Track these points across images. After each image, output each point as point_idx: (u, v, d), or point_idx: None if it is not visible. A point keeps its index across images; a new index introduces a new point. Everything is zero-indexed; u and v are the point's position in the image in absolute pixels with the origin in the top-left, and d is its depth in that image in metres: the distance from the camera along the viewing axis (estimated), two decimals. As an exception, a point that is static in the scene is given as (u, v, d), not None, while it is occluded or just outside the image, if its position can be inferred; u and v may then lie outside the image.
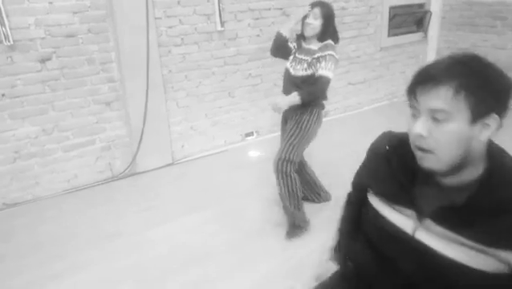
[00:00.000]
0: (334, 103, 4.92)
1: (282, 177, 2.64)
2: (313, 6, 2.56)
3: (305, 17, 2.59)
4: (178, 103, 3.87)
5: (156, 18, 3.49)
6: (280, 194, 2.71)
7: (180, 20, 3.65)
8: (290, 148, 2.62)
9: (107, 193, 3.43)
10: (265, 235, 2.75)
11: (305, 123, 2.64)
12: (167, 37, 3.62)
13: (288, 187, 2.65)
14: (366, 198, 1.18)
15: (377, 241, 1.10)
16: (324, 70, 2.50)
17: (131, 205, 3.21)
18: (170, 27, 3.62)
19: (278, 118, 4.41)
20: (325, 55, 2.52)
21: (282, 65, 4.23)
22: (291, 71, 2.71)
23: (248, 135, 4.41)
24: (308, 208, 2.86)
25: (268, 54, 4.18)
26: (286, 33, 2.75)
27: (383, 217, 1.08)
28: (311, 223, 2.79)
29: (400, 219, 1.03)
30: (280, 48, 2.81)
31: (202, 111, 4.04)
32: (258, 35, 4.12)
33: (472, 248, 0.91)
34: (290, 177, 2.63)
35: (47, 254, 2.63)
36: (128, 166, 3.67)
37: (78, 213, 3.11)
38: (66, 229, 2.91)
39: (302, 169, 2.92)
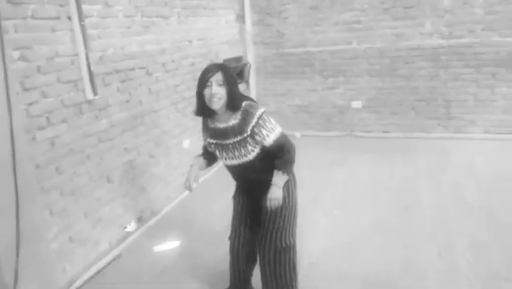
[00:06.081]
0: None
1: (284, 268, 2.25)
2: (212, 71, 1.96)
3: (202, 88, 1.98)
4: (52, 210, 2.65)
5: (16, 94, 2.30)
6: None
7: (42, 92, 2.54)
8: (283, 233, 2.20)
9: None
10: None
11: (287, 199, 2.18)
12: (28, 118, 2.45)
13: (288, 273, 2.27)
14: None
15: None
16: (271, 134, 2.03)
17: None
18: (31, 104, 2.46)
19: (159, 196, 3.72)
20: (256, 121, 2.00)
21: (154, 130, 3.61)
22: (232, 162, 2.16)
23: (128, 225, 3.46)
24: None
25: (139, 121, 3.50)
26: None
27: None
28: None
29: None
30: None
31: (80, 210, 2.91)
32: (128, 101, 3.35)
33: None
34: (290, 264, 2.28)
35: None
36: (2, 333, 2.21)
37: None
38: None
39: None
